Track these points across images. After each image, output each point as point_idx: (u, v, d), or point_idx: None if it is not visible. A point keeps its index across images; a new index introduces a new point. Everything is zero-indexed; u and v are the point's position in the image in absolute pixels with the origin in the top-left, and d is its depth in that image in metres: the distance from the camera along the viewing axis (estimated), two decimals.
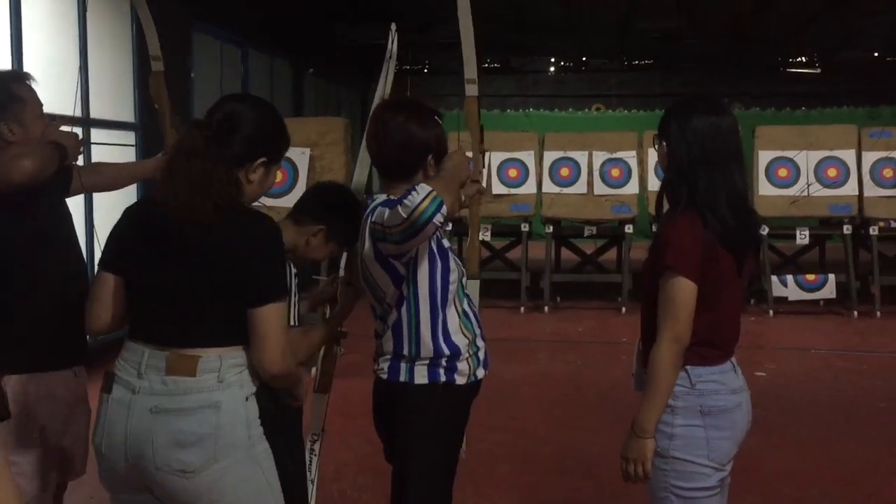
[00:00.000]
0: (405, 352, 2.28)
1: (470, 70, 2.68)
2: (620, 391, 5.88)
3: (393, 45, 2.71)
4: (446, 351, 2.28)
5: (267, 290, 1.89)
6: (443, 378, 2.28)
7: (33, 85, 2.58)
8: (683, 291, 2.08)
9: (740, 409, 2.21)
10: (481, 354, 2.38)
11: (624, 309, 8.71)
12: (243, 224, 1.93)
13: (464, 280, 2.37)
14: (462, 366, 2.31)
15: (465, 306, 2.36)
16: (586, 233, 9.00)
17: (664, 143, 2.18)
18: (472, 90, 2.69)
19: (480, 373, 2.37)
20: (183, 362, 1.86)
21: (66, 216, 2.67)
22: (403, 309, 2.27)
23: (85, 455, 2.71)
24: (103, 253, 2.02)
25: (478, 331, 2.38)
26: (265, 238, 1.94)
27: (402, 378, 2.29)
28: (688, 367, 2.15)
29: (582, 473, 4.24)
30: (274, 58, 10.64)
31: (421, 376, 2.28)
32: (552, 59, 15.88)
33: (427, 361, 2.28)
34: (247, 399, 1.91)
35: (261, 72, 10.26)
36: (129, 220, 2.02)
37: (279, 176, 5.19)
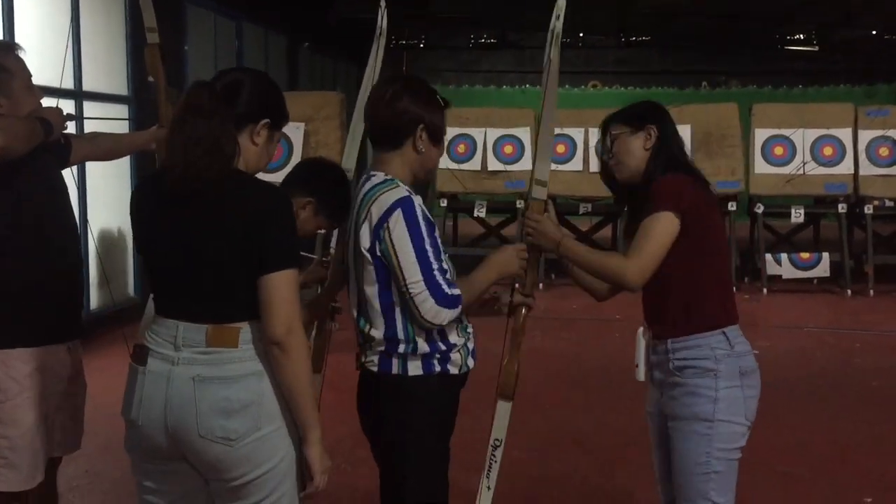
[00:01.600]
0: (401, 349, 2.21)
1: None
2: (614, 368, 5.91)
3: (382, 22, 2.67)
4: (442, 347, 2.23)
5: (278, 257, 1.88)
6: (437, 369, 2.23)
7: (22, 55, 2.54)
8: (663, 224, 2.25)
9: (758, 369, 2.37)
10: (471, 345, 2.32)
11: None
12: (254, 192, 1.92)
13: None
14: (455, 356, 2.26)
15: None
16: (581, 210, 8.99)
17: (656, 127, 2.39)
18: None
19: (471, 362, 2.32)
20: (224, 334, 1.88)
21: (61, 189, 2.64)
22: (397, 313, 2.19)
23: (80, 430, 2.70)
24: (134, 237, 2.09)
25: (468, 324, 2.34)
26: (277, 206, 1.93)
27: (396, 370, 2.22)
28: (725, 330, 2.30)
29: (576, 448, 4.27)
30: (269, 32, 10.55)
31: (415, 368, 2.22)
32: None
33: (422, 356, 2.22)
34: None
35: (255, 46, 10.18)
36: (136, 204, 2.02)
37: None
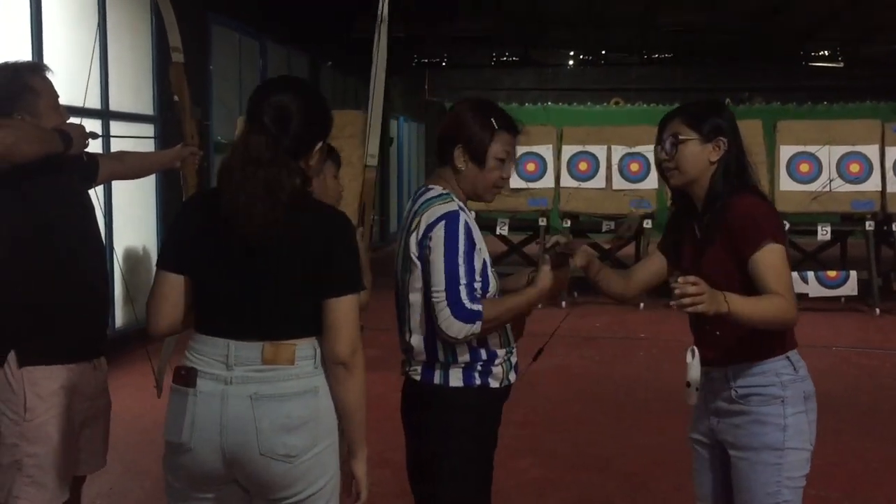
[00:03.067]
0: (441, 358, 2.25)
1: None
2: (637, 387, 5.86)
3: (383, 9, 2.64)
4: (483, 356, 2.26)
5: (344, 282, 1.92)
6: (478, 381, 2.26)
7: (50, 76, 2.57)
8: (780, 256, 2.12)
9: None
10: (513, 359, 2.34)
11: (642, 305, 8.65)
12: (316, 216, 1.94)
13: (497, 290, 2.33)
14: (497, 370, 2.28)
15: None
16: (604, 228, 8.94)
17: (726, 141, 2.23)
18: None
19: (512, 377, 2.33)
20: (279, 352, 1.89)
21: (87, 207, 2.67)
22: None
23: (105, 447, 2.71)
24: (164, 252, 2.00)
25: (511, 336, 2.35)
26: (340, 229, 1.95)
27: (437, 381, 2.26)
28: (789, 354, 2.21)
29: (600, 469, 4.22)
30: (291, 51, 10.65)
31: (456, 379, 2.25)
32: (571, 53, 15.79)
33: (463, 365, 2.25)
34: None
35: (279, 65, 10.27)
36: (190, 218, 2.00)
37: None
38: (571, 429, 4.82)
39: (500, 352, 2.28)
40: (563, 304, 8.65)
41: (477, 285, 2.19)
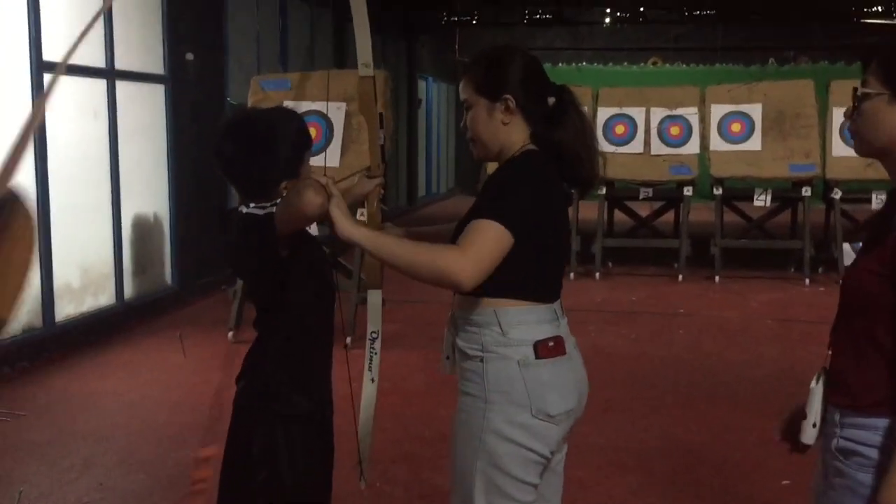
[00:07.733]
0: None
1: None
2: (678, 370, 5.43)
3: None
4: None
5: None
6: None
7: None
8: None
9: None
10: None
11: (681, 277, 8.18)
12: None
13: None
14: None
15: None
16: (642, 195, 8.46)
17: None
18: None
19: None
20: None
21: None
22: None
23: None
24: (521, 220, 1.82)
25: None
26: None
27: None
28: None
29: (640, 469, 3.81)
30: (315, 8, 10.20)
31: None
32: (608, 10, 15.11)
33: None
34: None
35: (301, 22, 9.84)
36: (548, 183, 1.95)
37: (314, 132, 4.76)
38: (607, 419, 4.41)
39: None
40: (598, 274, 8.22)
41: None
